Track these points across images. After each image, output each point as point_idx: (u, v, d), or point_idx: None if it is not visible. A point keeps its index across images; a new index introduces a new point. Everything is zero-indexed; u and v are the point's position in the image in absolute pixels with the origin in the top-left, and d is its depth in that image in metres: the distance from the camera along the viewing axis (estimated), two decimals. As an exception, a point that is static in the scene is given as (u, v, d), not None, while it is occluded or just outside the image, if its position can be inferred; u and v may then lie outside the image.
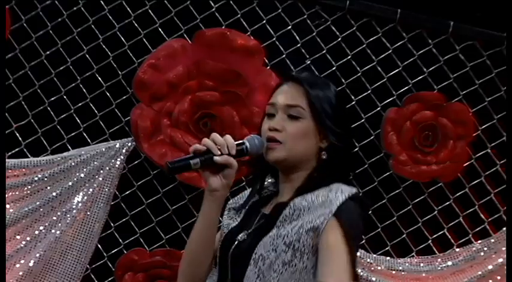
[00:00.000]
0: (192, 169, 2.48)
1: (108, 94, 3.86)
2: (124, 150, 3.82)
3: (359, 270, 3.76)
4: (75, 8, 3.84)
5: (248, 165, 2.67)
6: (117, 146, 3.81)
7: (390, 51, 3.92)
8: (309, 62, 3.94)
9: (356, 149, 3.92)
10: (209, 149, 2.48)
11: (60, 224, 3.75)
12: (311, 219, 2.44)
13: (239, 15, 3.88)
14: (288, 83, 2.59)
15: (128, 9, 3.86)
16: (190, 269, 2.59)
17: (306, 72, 2.70)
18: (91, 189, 3.78)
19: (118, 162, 3.81)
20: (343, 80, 3.91)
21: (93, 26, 3.86)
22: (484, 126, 3.94)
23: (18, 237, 3.75)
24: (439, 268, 3.88)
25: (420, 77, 3.93)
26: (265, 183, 2.67)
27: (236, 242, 2.54)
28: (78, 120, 3.85)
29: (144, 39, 3.85)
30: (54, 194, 3.77)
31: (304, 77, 2.59)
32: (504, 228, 3.87)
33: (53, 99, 3.85)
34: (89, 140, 3.84)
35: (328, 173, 2.54)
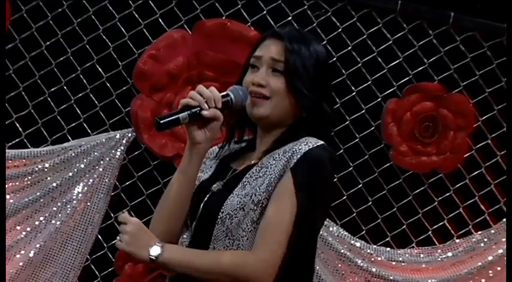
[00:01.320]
0: (181, 123, 2.47)
1: (108, 85, 3.87)
2: (124, 141, 3.82)
3: (359, 262, 3.81)
4: None
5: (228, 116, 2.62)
6: (118, 136, 3.81)
7: (390, 42, 3.93)
8: None
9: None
10: (198, 102, 2.45)
11: (60, 215, 3.75)
12: (276, 174, 2.40)
13: (239, 6, 3.88)
14: (271, 38, 2.53)
15: None
16: (167, 222, 2.53)
17: (290, 28, 2.62)
18: (91, 180, 3.78)
19: (118, 153, 3.81)
20: (343, 71, 3.91)
21: (93, 16, 3.86)
22: (484, 117, 3.95)
23: (18, 227, 3.75)
24: (439, 259, 3.89)
25: (420, 68, 3.94)
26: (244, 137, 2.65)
27: (210, 193, 2.49)
28: (78, 111, 3.86)
29: (145, 30, 3.86)
30: (54, 184, 3.77)
31: (287, 33, 2.52)
32: (504, 219, 3.89)
33: (53, 89, 3.86)
34: (89, 131, 3.85)
35: (302, 129, 2.49)
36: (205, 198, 2.48)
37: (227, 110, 2.50)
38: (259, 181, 2.43)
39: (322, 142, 2.41)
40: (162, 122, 2.43)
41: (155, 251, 2.34)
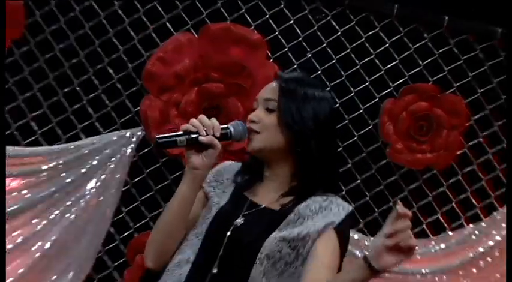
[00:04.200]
0: (178, 145, 2.48)
1: (118, 86, 3.87)
2: (134, 139, 3.82)
3: (357, 252, 3.77)
4: (86, 4, 3.84)
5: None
6: (128, 135, 3.82)
7: (387, 44, 3.92)
8: (309, 55, 3.93)
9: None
10: (197, 128, 2.49)
11: (74, 209, 3.77)
12: (316, 228, 2.46)
13: (243, 11, 3.88)
14: (274, 81, 2.59)
15: (137, 4, 3.85)
16: (162, 239, 2.56)
17: (296, 72, 2.70)
18: (103, 176, 3.79)
19: (129, 150, 3.82)
20: (342, 72, 3.91)
21: (104, 20, 3.86)
22: (476, 117, 3.95)
23: (34, 221, 3.76)
24: (432, 250, 3.90)
25: (416, 70, 3.93)
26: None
27: (233, 227, 2.51)
28: (90, 111, 3.86)
29: (153, 34, 3.86)
30: (68, 180, 3.78)
31: (287, 75, 2.59)
32: (494, 213, 3.90)
33: (66, 90, 3.86)
34: (101, 129, 3.86)
35: (313, 175, 2.53)
36: (229, 232, 2.50)
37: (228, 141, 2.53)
38: (296, 229, 2.47)
39: (351, 207, 2.51)
40: (160, 141, 2.47)
41: None
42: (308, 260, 2.47)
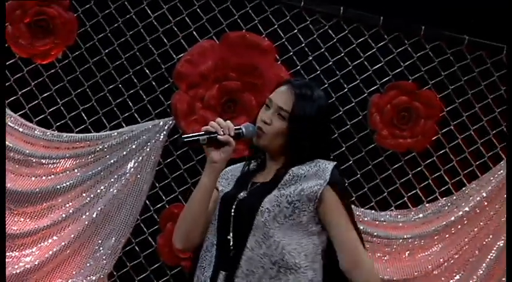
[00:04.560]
0: (200, 143, 2.55)
1: (153, 83, 4.00)
2: (166, 127, 3.92)
3: None
4: (127, 16, 3.99)
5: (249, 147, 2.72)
6: (161, 123, 3.94)
7: (375, 49, 4.05)
8: (310, 58, 4.03)
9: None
10: (215, 129, 2.56)
11: (116, 185, 3.89)
12: (310, 185, 2.52)
13: (256, 21, 4.01)
14: (287, 85, 2.64)
15: (169, 16, 4.00)
16: (188, 224, 2.59)
17: (304, 81, 2.76)
18: (140, 158, 3.90)
19: (162, 137, 3.92)
20: (337, 72, 4.04)
21: (142, 30, 4.00)
22: (448, 109, 4.06)
23: (84, 195, 3.90)
24: (412, 219, 4.02)
25: (398, 70, 4.04)
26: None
27: (237, 199, 2.58)
28: (130, 104, 3.99)
29: (182, 41, 3.99)
30: (111, 161, 3.91)
31: (298, 85, 2.62)
32: (463, 188, 4.02)
33: (110, 87, 3.99)
34: (139, 119, 3.98)
35: (302, 148, 2.59)
36: (236, 202, 2.57)
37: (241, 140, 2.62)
38: (292, 187, 2.54)
39: (335, 162, 2.57)
40: (185, 140, 2.56)
41: None
42: (330, 232, 2.54)
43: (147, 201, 3.94)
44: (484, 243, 3.96)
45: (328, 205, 2.53)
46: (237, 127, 2.59)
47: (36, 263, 3.85)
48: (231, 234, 2.53)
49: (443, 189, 4.07)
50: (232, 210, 2.55)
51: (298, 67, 4.04)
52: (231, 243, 2.53)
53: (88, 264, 3.86)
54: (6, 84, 3.98)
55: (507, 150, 3.91)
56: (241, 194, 2.58)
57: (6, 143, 3.89)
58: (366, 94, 4.07)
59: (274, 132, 2.58)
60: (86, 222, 3.89)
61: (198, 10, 4.01)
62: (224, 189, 2.63)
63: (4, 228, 3.68)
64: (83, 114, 4.01)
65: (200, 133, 2.55)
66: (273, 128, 2.58)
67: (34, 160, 3.91)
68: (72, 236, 3.88)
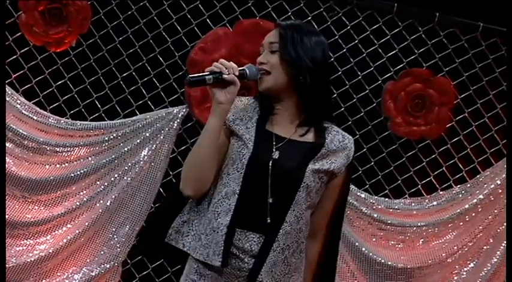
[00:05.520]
0: (207, 83, 2.57)
1: (167, 71, 3.99)
2: (180, 115, 3.92)
3: (363, 209, 3.96)
4: (141, 4, 3.98)
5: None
6: (175, 111, 3.93)
7: (389, 36, 4.04)
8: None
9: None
10: (220, 69, 2.59)
11: (130, 173, 3.89)
12: (338, 165, 2.65)
13: (270, 9, 4.01)
14: (275, 28, 2.71)
15: (183, 4, 3.99)
16: (199, 169, 2.60)
17: (295, 21, 2.74)
18: (154, 146, 3.89)
19: (175, 125, 3.92)
20: (351, 60, 4.03)
21: (155, 17, 3.98)
22: (462, 96, 4.07)
23: (98, 182, 3.90)
24: (426, 207, 4.02)
25: (412, 57, 4.04)
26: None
27: (272, 160, 2.60)
28: (144, 91, 3.99)
29: (195, 28, 3.99)
30: (125, 149, 3.91)
31: (285, 23, 2.68)
32: (478, 176, 4.02)
33: (124, 75, 3.99)
34: (152, 107, 3.98)
35: (315, 105, 2.63)
36: (270, 166, 2.60)
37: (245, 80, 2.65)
38: (326, 164, 2.65)
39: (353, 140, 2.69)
40: (192, 79, 2.58)
41: None
42: (321, 201, 2.69)
43: (161, 189, 3.92)
44: (498, 231, 3.96)
45: (337, 180, 2.66)
46: (240, 68, 2.62)
47: (51, 251, 3.86)
48: (270, 199, 2.56)
49: (457, 176, 4.08)
50: (269, 171, 2.57)
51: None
52: (271, 200, 2.57)
53: (102, 252, 3.88)
54: (21, 72, 4.00)
55: (507, 145, 3.94)
56: (275, 154, 2.59)
57: (20, 131, 3.90)
58: (379, 81, 4.06)
59: (274, 67, 2.61)
60: (100, 210, 3.88)
61: (212, -2, 4.00)
62: (250, 138, 2.62)
63: (4, 228, 3.69)
64: (97, 102, 4.02)
65: (206, 73, 2.58)
66: (271, 65, 2.62)
67: (48, 148, 3.91)
68: (87, 223, 3.89)
